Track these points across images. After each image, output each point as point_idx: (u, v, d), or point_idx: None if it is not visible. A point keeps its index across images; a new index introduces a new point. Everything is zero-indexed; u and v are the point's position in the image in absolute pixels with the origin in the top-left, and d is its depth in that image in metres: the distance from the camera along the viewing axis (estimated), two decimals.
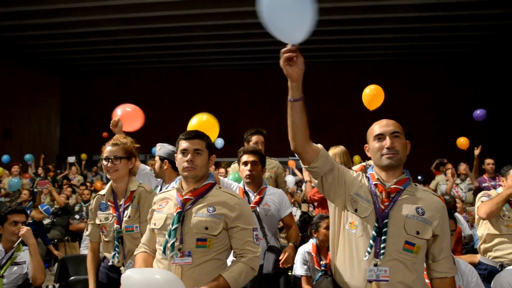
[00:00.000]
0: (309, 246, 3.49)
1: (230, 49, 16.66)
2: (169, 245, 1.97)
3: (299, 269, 3.41)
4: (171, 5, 12.61)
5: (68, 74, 21.44)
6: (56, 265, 4.50)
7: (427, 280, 2.03)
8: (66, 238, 6.57)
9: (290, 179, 8.47)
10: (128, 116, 3.54)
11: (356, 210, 1.95)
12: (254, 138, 3.88)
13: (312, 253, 3.42)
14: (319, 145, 2.03)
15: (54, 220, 6.58)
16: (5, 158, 10.56)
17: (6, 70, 18.01)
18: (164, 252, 1.99)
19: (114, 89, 20.77)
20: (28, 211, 5.60)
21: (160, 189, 3.47)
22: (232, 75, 19.88)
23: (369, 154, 2.08)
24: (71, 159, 12.40)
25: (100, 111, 20.72)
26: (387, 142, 1.94)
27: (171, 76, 20.43)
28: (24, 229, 3.13)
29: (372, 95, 5.50)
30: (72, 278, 3.27)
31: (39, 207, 6.43)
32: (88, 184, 8.95)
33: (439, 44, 15.16)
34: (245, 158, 3.04)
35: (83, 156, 13.60)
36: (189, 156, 2.09)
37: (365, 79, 9.32)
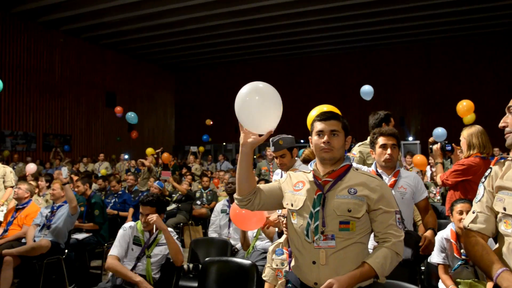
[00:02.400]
0: (447, 232, 3.21)
1: (335, 33, 16.28)
2: (312, 227, 1.93)
3: (436, 257, 3.16)
4: None
5: (181, 69, 22.86)
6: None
7: None
8: (190, 222, 7.00)
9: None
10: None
11: None
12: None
13: (451, 240, 3.14)
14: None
15: (179, 206, 7.05)
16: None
17: (129, 70, 19.77)
18: (307, 235, 1.95)
19: (222, 81, 21.66)
20: None
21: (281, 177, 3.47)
22: (338, 59, 19.47)
23: None
24: (194, 148, 13.19)
25: (210, 103, 21.83)
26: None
27: (277, 64, 20.66)
28: (153, 217, 3.33)
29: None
30: (207, 259, 3.42)
31: (154, 183, 7.05)
32: (206, 172, 9.44)
33: None
34: (382, 140, 2.88)
35: (201, 148, 14.43)
36: (325, 137, 2.02)
37: None
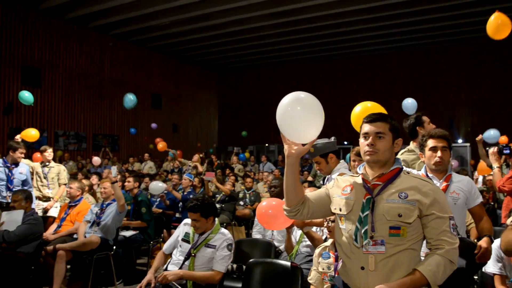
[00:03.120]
0: None
1: (379, 32, 15.93)
2: (361, 232, 1.88)
3: (492, 267, 2.99)
4: None
5: (224, 71, 23.13)
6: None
7: None
8: (233, 222, 7.05)
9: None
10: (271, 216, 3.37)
11: None
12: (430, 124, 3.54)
13: None
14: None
15: (223, 206, 7.11)
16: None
17: (173, 72, 20.24)
18: (356, 240, 1.90)
19: (265, 82, 21.72)
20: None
21: (324, 181, 3.40)
22: (383, 58, 19.05)
23: None
24: (237, 149, 13.31)
25: (253, 104, 21.95)
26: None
27: (320, 65, 20.48)
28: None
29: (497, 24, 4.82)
30: (251, 260, 3.42)
31: (184, 175, 7.23)
32: (249, 173, 9.47)
33: None
34: (432, 143, 2.76)
35: (247, 154, 14.48)
36: (370, 139, 1.97)
37: None
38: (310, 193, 2.14)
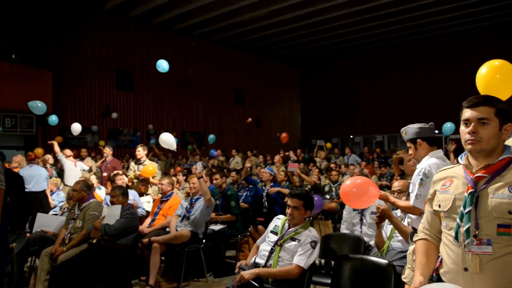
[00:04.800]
0: None
1: (466, 11, 14.73)
2: (463, 230, 1.69)
3: None
4: None
5: (305, 64, 22.92)
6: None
7: None
8: (319, 216, 6.92)
9: None
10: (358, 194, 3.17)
11: None
12: None
13: None
14: None
15: None
16: None
17: (255, 68, 20.50)
18: (456, 238, 1.72)
19: (348, 72, 21.14)
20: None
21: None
22: (471, 37, 17.59)
23: None
24: (320, 142, 13.13)
25: (336, 95, 21.49)
26: None
27: (405, 50, 19.45)
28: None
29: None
30: (340, 255, 3.31)
31: (265, 169, 7.26)
32: (333, 165, 9.25)
33: None
34: None
35: (328, 145, 14.26)
36: (471, 127, 1.75)
37: None
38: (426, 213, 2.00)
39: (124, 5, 14.01)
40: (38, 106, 8.04)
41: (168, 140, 5.73)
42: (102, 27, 14.54)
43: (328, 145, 13.49)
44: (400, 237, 3.48)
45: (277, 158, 10.01)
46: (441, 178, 1.91)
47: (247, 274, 3.12)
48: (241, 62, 19.75)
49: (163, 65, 8.11)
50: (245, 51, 19.65)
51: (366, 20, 15.68)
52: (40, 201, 6.76)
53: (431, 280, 2.47)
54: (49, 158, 8.79)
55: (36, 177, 6.98)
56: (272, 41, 18.38)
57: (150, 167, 6.57)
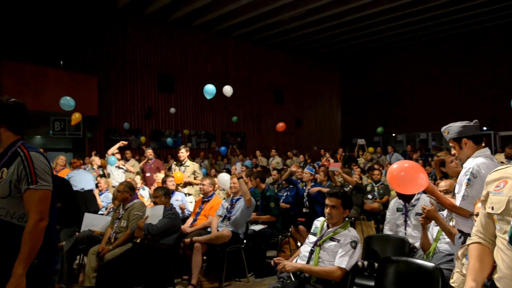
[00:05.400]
0: None
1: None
2: None
3: None
4: None
5: (344, 61, 22.58)
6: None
7: None
8: (362, 217, 6.79)
9: None
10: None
11: None
12: None
13: None
14: None
15: None
16: None
17: (294, 67, 20.42)
18: (510, 242, 1.62)
19: (389, 68, 20.64)
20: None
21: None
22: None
23: None
24: (361, 141, 12.89)
25: (377, 93, 21.02)
26: None
27: (447, 45, 18.75)
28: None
29: None
30: (384, 258, 3.22)
31: (305, 169, 7.11)
32: (376, 165, 9.04)
33: None
34: None
35: (370, 149, 13.83)
36: None
37: None
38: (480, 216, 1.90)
39: (163, 10, 14.33)
40: (67, 101, 8.31)
41: (224, 181, 5.71)
42: (143, 32, 14.95)
43: (371, 149, 13.16)
44: (447, 239, 3.35)
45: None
46: (495, 179, 1.81)
47: (289, 266, 3.14)
48: (280, 62, 19.71)
49: (209, 88, 8.12)
50: (284, 50, 19.59)
51: (407, 15, 15.24)
52: (87, 201, 6.98)
53: (485, 286, 2.35)
54: (95, 159, 9.09)
55: (83, 178, 7.23)
56: (311, 40, 18.22)
57: (178, 174, 6.65)
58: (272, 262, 3.32)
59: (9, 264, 1.97)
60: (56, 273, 2.25)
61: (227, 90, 6.49)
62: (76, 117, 9.00)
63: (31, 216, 2.02)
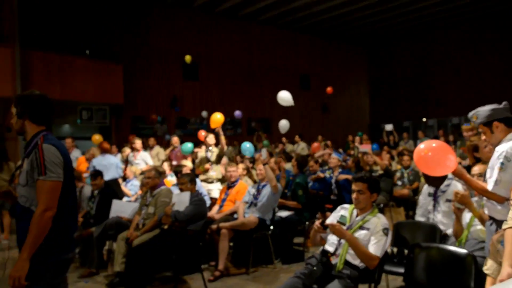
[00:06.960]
0: None
1: None
2: None
3: None
4: None
5: (372, 44, 22.04)
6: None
7: None
8: (391, 203, 6.65)
9: None
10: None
11: None
12: None
13: None
14: None
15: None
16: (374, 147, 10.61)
17: (320, 51, 20.11)
18: None
19: (419, 51, 20.04)
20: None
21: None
22: None
23: None
24: (389, 127, 12.62)
25: (406, 76, 20.47)
26: None
27: (481, 26, 18.01)
28: None
29: None
30: (413, 244, 3.14)
31: (333, 155, 7.10)
32: (405, 150, 8.84)
33: None
34: None
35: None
36: None
37: None
38: None
39: None
40: (187, 148, 8.05)
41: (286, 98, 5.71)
42: (167, 18, 14.96)
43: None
44: (480, 226, 3.23)
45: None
46: None
47: (339, 229, 3.01)
48: (306, 46, 19.42)
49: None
50: (310, 34, 19.27)
51: None
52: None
53: None
54: (126, 150, 9.14)
55: (107, 166, 7.39)
56: (338, 23, 17.84)
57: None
58: (319, 223, 3.16)
59: None
60: (67, 262, 2.34)
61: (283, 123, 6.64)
62: (96, 139, 9.28)
63: (38, 206, 2.12)
